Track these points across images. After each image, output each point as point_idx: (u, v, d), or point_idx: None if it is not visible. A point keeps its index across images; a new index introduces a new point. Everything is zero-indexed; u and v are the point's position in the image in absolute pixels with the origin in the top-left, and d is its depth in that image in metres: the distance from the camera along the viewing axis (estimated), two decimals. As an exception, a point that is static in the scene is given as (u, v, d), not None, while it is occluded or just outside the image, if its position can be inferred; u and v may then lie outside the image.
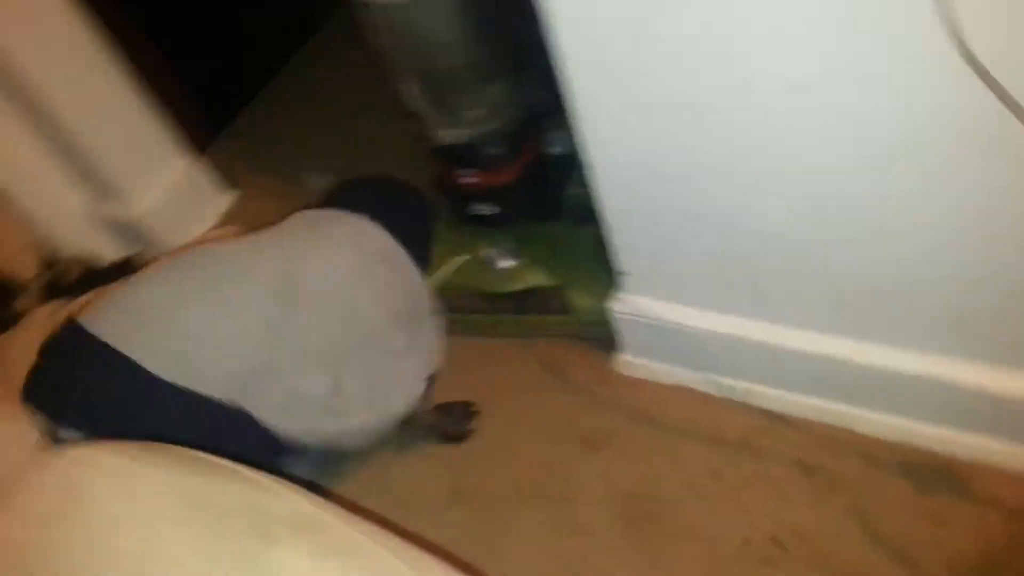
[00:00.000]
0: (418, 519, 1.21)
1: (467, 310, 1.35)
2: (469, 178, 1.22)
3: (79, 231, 1.65)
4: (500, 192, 1.24)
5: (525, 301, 1.30)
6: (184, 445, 0.84)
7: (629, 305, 1.16)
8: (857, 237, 0.88)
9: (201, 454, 0.78)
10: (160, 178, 1.67)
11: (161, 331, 0.99)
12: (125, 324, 0.99)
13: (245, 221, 1.69)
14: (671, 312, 1.11)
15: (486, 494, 1.22)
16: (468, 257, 1.35)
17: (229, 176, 1.80)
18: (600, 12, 0.78)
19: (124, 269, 1.66)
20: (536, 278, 1.29)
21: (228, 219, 1.74)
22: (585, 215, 1.27)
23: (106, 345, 0.96)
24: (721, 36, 0.76)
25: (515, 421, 1.28)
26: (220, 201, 1.77)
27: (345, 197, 1.17)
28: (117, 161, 1.60)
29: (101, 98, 1.54)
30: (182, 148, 1.71)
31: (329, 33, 2.19)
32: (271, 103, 2.05)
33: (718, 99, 0.82)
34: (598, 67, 0.84)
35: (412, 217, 1.19)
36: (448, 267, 1.35)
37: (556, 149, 1.26)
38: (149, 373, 0.95)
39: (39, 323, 1.50)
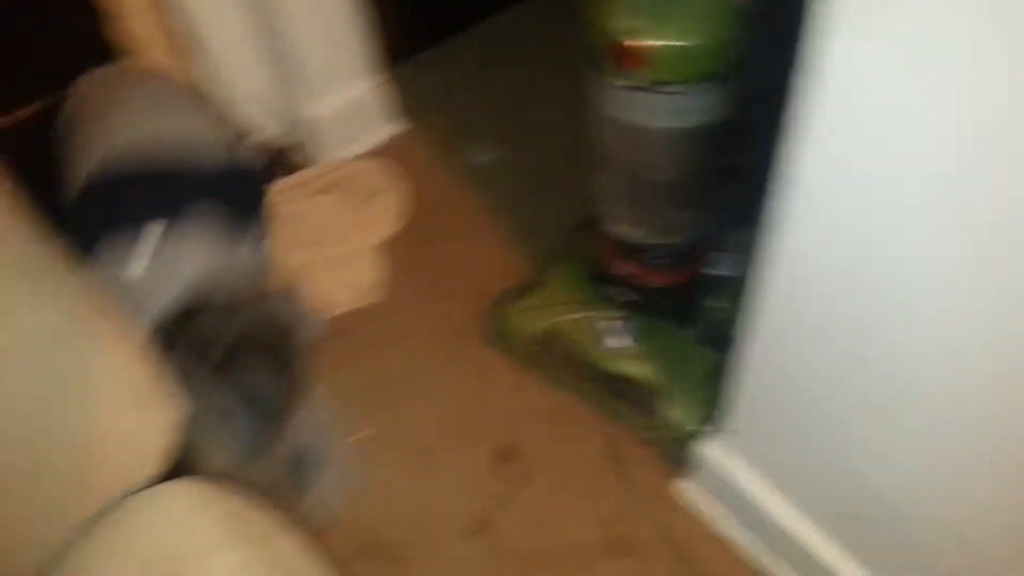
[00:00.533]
0: (432, 543, 1.27)
1: (560, 363, 1.35)
2: (624, 268, 1.20)
3: (249, 105, 1.67)
4: (647, 291, 1.23)
5: (619, 386, 1.30)
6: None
7: (717, 452, 1.15)
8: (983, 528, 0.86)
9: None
10: (342, 84, 1.66)
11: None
12: None
13: (388, 161, 1.70)
14: (756, 486, 1.10)
15: (505, 542, 1.25)
16: (586, 315, 1.34)
17: (400, 107, 1.79)
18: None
19: (277, 157, 1.69)
20: (639, 371, 1.28)
21: (380, 152, 1.74)
22: (715, 336, 1.25)
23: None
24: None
25: (559, 490, 1.30)
26: (383, 130, 1.77)
27: None
28: (309, 50, 1.57)
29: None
30: (373, 61, 1.70)
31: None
32: (479, 43, 1.95)
33: (888, 334, 0.79)
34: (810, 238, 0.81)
35: None
36: (565, 317, 1.35)
37: (716, 270, 1.23)
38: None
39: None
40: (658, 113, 0.93)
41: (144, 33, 1.47)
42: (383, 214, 1.61)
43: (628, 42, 0.86)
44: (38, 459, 0.64)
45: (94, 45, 1.45)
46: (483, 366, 1.43)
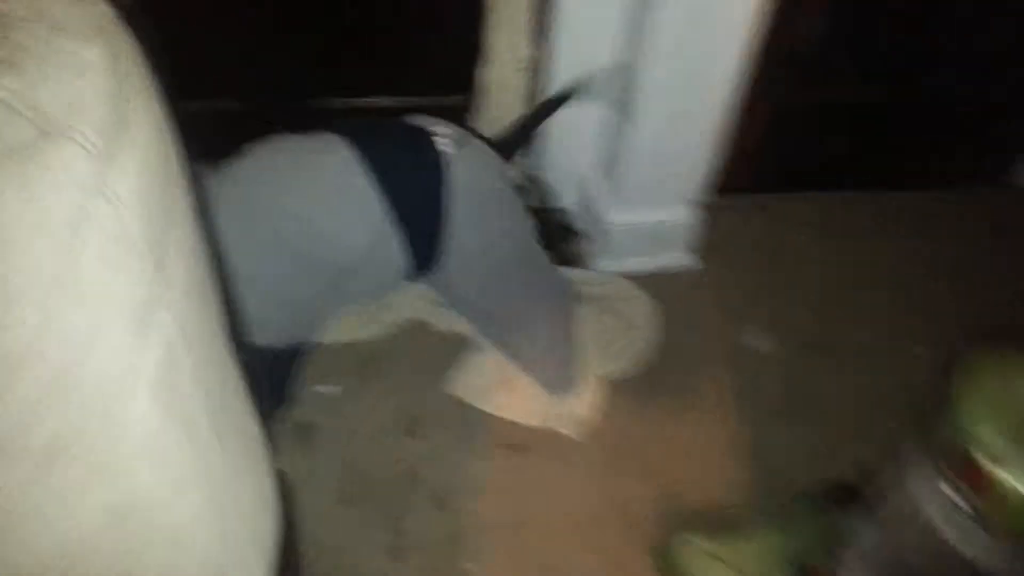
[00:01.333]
0: None
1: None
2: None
3: (563, 186, 1.61)
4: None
5: None
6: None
7: None
8: None
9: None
10: (656, 201, 1.54)
11: None
12: None
13: (660, 296, 1.54)
14: None
15: None
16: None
17: (701, 245, 1.63)
18: None
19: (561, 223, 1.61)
20: None
21: (656, 281, 1.59)
22: None
23: None
24: None
25: None
26: (671, 260, 1.62)
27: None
28: (645, 161, 1.47)
29: (698, 82, 1.37)
30: (699, 191, 1.55)
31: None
32: (820, 212, 1.76)
33: None
34: None
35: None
36: None
37: None
38: None
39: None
40: (970, 541, 0.69)
41: (500, 89, 1.46)
42: (625, 351, 1.46)
43: (979, 461, 0.63)
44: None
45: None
46: (629, 577, 1.24)
